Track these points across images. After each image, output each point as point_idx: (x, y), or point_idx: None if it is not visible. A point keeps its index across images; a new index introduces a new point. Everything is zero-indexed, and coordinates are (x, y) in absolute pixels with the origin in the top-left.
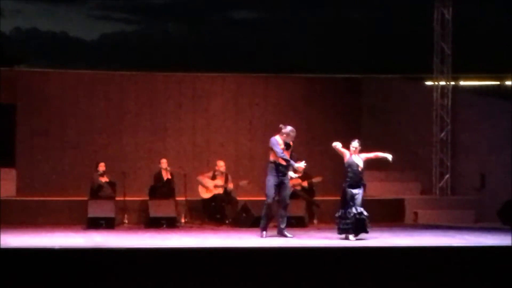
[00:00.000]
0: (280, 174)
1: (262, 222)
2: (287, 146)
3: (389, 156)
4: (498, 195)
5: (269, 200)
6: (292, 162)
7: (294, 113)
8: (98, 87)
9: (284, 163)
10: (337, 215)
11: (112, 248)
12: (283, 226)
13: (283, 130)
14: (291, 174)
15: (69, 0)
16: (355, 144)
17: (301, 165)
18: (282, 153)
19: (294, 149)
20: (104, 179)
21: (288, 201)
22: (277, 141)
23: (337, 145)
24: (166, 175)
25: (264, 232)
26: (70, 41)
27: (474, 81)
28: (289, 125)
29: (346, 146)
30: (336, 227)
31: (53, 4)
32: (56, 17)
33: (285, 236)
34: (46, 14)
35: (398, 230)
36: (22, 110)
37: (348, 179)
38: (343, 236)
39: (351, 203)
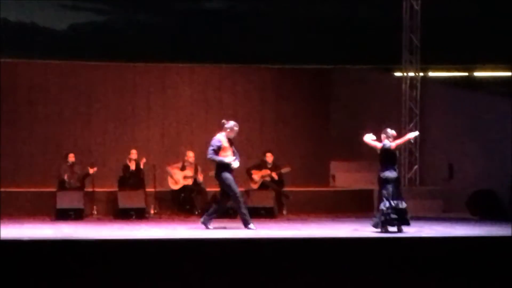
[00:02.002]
0: (230, 170)
1: (246, 216)
2: (230, 142)
3: (414, 134)
4: (466, 186)
5: (238, 194)
6: (220, 158)
7: (263, 104)
8: (66, 78)
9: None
10: (385, 207)
11: (81, 239)
12: (212, 216)
13: (226, 126)
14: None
15: None
16: (392, 131)
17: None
18: (212, 154)
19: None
20: (73, 172)
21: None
22: (218, 140)
23: (369, 137)
24: (135, 166)
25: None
26: (40, 31)
27: (443, 72)
28: (257, 115)
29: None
30: (378, 220)
31: None
32: (26, 8)
33: (207, 227)
34: (15, 4)
35: (367, 221)
36: None
37: (388, 168)
38: (383, 229)
39: (395, 193)
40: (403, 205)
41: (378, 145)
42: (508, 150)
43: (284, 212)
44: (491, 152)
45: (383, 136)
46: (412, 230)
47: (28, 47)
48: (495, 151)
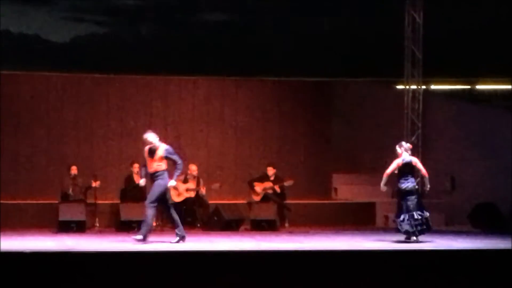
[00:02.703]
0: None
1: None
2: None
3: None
4: (468, 199)
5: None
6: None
7: (265, 116)
8: (68, 90)
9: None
10: (417, 217)
11: (83, 251)
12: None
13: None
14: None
15: (42, 2)
16: (408, 144)
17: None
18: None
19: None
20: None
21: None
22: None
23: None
24: (137, 179)
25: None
26: (41, 43)
27: (445, 85)
28: (259, 128)
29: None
30: (412, 230)
31: (25, 6)
32: (28, 19)
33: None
34: (18, 16)
35: (369, 234)
36: None
37: (409, 180)
38: (413, 238)
39: (421, 203)
40: (426, 213)
41: (399, 161)
42: (509, 163)
43: (286, 224)
44: (493, 165)
45: (401, 149)
46: (414, 243)
47: (30, 59)
48: (497, 164)
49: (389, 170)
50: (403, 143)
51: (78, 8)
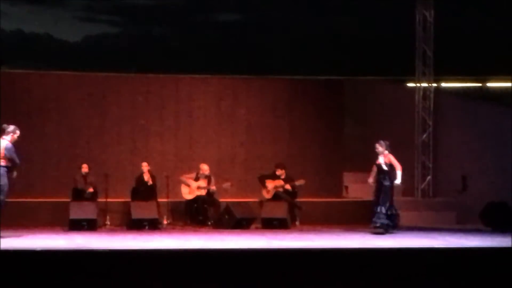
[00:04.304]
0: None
1: None
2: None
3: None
4: (480, 197)
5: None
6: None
7: (276, 115)
8: (80, 89)
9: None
10: (389, 212)
11: (94, 249)
12: None
13: (9, 130)
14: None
15: (54, 2)
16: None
17: None
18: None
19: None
20: (90, 190)
21: None
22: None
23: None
24: (147, 178)
25: None
26: (54, 42)
27: (456, 83)
28: (270, 127)
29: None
30: (389, 224)
31: (38, 6)
32: (40, 19)
33: None
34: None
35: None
36: (4, 112)
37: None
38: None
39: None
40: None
41: (392, 160)
42: None
43: (297, 223)
44: (504, 164)
45: (387, 149)
46: (426, 241)
47: (42, 58)
48: (509, 163)
49: (374, 172)
50: (384, 142)
51: (90, 7)
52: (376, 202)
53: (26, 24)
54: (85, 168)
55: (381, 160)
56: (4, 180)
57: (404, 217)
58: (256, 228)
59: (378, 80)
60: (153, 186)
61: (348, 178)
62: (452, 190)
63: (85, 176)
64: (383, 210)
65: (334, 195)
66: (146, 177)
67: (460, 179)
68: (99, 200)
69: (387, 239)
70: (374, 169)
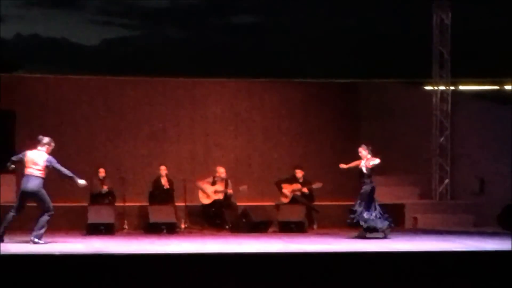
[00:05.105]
0: None
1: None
2: None
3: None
4: (498, 200)
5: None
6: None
7: (292, 118)
8: (97, 93)
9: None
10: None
11: (112, 254)
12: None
13: (44, 141)
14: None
15: (70, 6)
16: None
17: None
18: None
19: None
20: (104, 187)
21: None
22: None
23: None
24: (165, 182)
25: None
26: (70, 46)
27: (473, 86)
28: (286, 130)
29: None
30: (384, 226)
31: (54, 10)
32: (57, 23)
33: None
34: (47, 20)
35: (398, 235)
36: (21, 116)
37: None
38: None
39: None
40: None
41: (373, 162)
42: None
43: (315, 226)
44: None
45: (370, 153)
46: (443, 245)
47: (59, 62)
48: None
49: (356, 162)
50: (365, 145)
51: (106, 11)
52: (359, 204)
53: (43, 28)
54: (102, 172)
55: (363, 163)
56: (43, 193)
57: (422, 220)
58: (273, 231)
59: (394, 83)
60: (171, 189)
61: None
62: (470, 193)
63: (102, 180)
64: (372, 215)
65: (351, 199)
66: (164, 180)
67: (477, 182)
68: (117, 204)
69: (406, 243)
70: (357, 162)
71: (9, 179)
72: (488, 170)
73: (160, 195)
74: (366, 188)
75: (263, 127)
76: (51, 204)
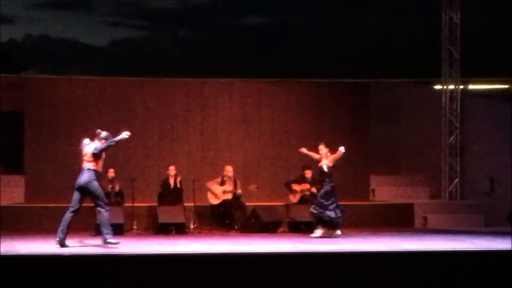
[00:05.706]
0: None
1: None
2: None
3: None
4: (508, 199)
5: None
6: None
7: (302, 118)
8: (106, 93)
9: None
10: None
11: (121, 254)
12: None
13: (102, 136)
14: None
15: (80, 7)
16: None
17: None
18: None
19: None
20: (113, 188)
21: None
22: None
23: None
24: (174, 182)
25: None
26: (80, 47)
27: (483, 85)
28: (296, 130)
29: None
30: (338, 223)
31: (64, 11)
32: (66, 24)
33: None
34: (57, 20)
35: (408, 235)
36: (30, 117)
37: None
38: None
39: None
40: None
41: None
42: None
43: None
44: None
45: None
46: (454, 244)
47: (68, 63)
48: None
49: (316, 155)
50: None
51: (116, 12)
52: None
53: (52, 29)
54: (111, 173)
55: (323, 162)
56: (95, 185)
57: (432, 219)
58: (283, 231)
59: (404, 82)
60: (180, 190)
61: (375, 181)
62: (480, 193)
63: (111, 181)
64: (331, 212)
65: (361, 198)
66: (172, 181)
67: (487, 181)
68: (126, 204)
69: (415, 242)
70: (317, 156)
71: (18, 179)
72: (498, 170)
73: (169, 196)
74: (326, 188)
75: (272, 127)
76: (105, 199)
